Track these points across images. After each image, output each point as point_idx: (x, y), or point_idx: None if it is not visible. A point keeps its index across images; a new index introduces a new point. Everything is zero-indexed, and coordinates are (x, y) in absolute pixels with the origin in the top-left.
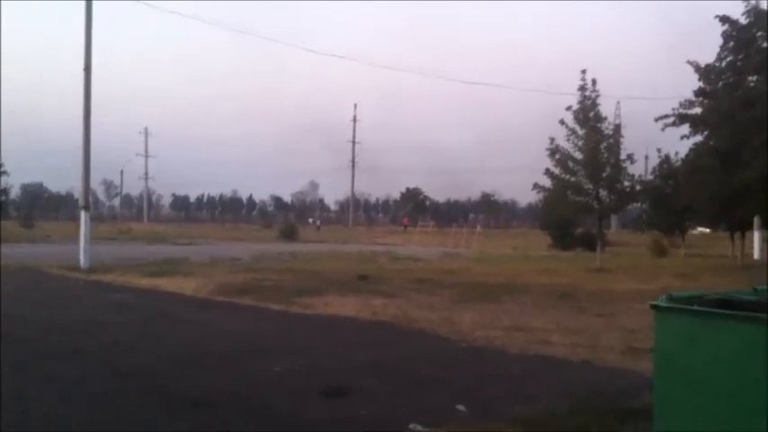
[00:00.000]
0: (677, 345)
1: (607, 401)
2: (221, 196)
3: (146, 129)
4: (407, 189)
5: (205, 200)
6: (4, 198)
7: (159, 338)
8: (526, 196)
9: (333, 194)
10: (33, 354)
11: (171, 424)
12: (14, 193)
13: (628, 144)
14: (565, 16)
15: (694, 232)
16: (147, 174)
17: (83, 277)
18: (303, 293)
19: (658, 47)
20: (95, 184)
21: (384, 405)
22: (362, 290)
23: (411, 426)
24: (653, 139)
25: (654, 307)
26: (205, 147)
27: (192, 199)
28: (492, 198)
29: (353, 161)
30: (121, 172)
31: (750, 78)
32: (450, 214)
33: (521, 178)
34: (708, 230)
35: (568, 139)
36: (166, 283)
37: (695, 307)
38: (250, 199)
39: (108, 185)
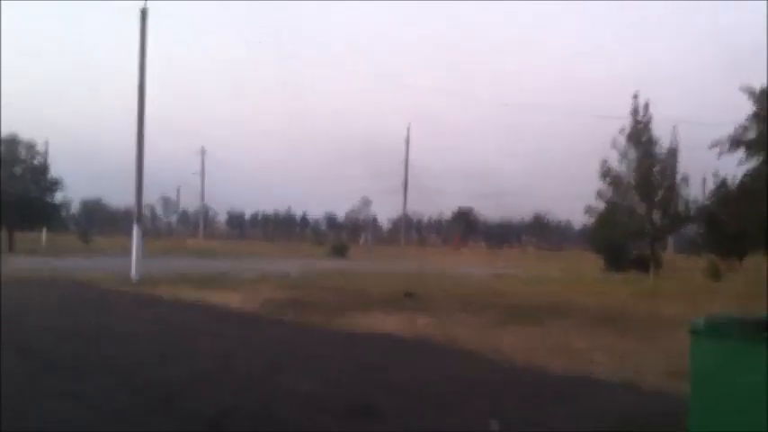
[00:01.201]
0: (713, 369)
1: (645, 424)
2: (275, 214)
3: (202, 148)
4: (459, 209)
5: (259, 217)
6: (64, 213)
7: (194, 352)
8: (580, 218)
9: (385, 214)
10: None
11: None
12: (74, 208)
13: (687, 168)
14: (620, 38)
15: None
16: (203, 191)
17: (130, 290)
18: (347, 310)
19: (717, 70)
20: (154, 200)
21: (414, 426)
22: (407, 308)
23: None
24: (712, 164)
25: (692, 331)
26: (261, 166)
27: (247, 216)
28: (544, 219)
29: (406, 181)
30: (178, 189)
31: None
32: (502, 235)
33: (576, 200)
34: None
35: (621, 162)
36: (213, 297)
37: (733, 330)
38: (303, 217)
39: (166, 202)
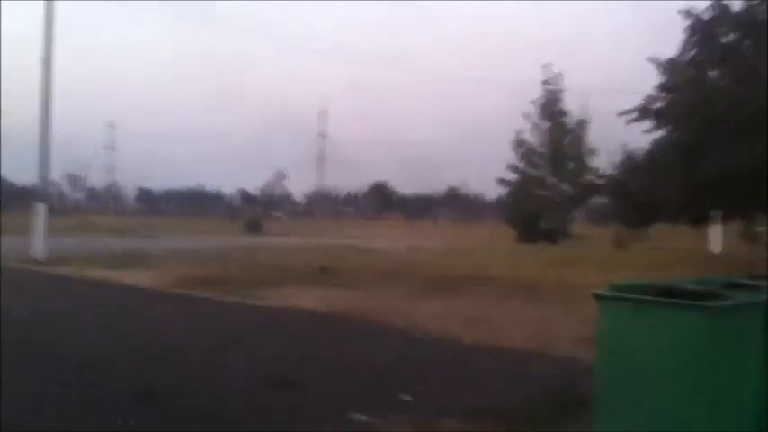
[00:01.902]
0: (618, 334)
1: (558, 391)
2: (188, 190)
3: (111, 121)
4: (375, 183)
5: (171, 193)
6: None
7: (107, 330)
8: (493, 189)
9: (301, 188)
10: None
11: (115, 415)
12: None
13: (595, 140)
14: (534, 9)
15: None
16: (111, 166)
17: (38, 269)
18: (262, 285)
19: (628, 41)
20: (60, 177)
21: (329, 396)
22: (323, 282)
23: (352, 414)
24: (621, 134)
25: (596, 296)
26: (171, 140)
27: (159, 193)
28: (459, 191)
29: (321, 154)
30: (86, 165)
31: (711, 73)
32: (418, 207)
33: (489, 171)
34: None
35: (533, 134)
36: (124, 276)
37: (638, 296)
38: (217, 193)
39: (73, 179)
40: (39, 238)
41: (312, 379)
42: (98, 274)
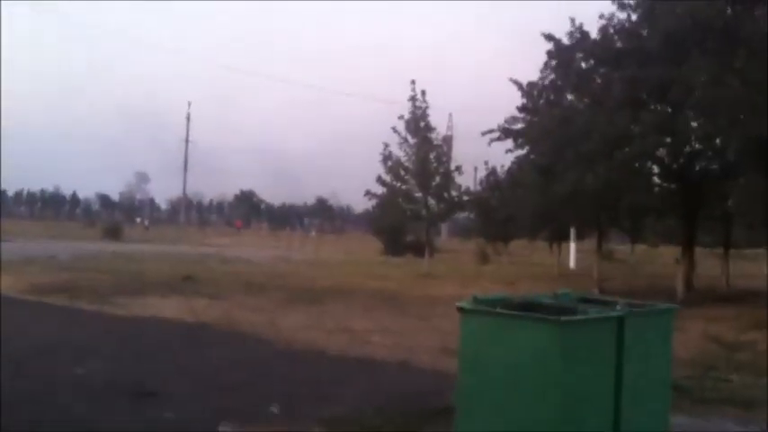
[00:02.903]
0: (480, 345)
1: (417, 401)
2: (42, 192)
3: None
4: (242, 191)
5: (24, 195)
6: None
7: None
8: (361, 202)
9: (164, 194)
10: None
11: None
12: None
13: (461, 157)
14: (404, 26)
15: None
16: None
17: None
18: (121, 294)
19: (494, 61)
20: None
21: (194, 407)
22: (186, 291)
23: (221, 427)
24: (486, 152)
25: (460, 309)
26: (24, 141)
27: (11, 194)
28: (327, 203)
29: (186, 160)
30: None
31: (569, 96)
32: (285, 218)
33: (356, 184)
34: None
35: (401, 148)
36: None
37: (497, 309)
38: (74, 196)
39: None
40: None
41: (177, 390)
42: None
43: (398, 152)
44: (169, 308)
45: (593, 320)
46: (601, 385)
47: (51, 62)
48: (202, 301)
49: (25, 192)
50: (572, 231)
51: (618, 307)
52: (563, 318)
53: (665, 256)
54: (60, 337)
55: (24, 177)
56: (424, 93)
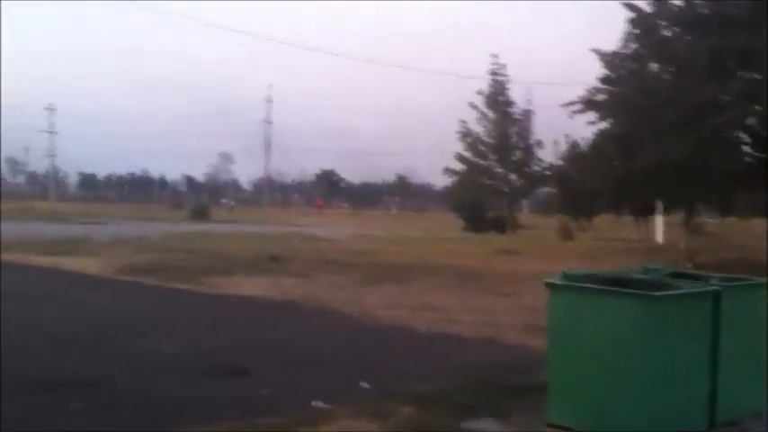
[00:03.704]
0: (569, 320)
1: (505, 378)
2: (131, 175)
3: (50, 105)
4: (322, 170)
5: (114, 179)
6: None
7: (54, 318)
8: (441, 179)
9: (247, 175)
10: None
11: (56, 404)
12: None
13: (541, 131)
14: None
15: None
16: (51, 151)
17: None
18: (210, 273)
19: (574, 33)
20: None
21: (287, 384)
22: (272, 270)
23: (313, 403)
24: (566, 125)
25: (548, 285)
26: (114, 124)
27: (101, 178)
28: (407, 180)
29: (268, 142)
30: (26, 149)
31: (651, 66)
32: (365, 196)
33: (436, 161)
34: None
35: (480, 123)
36: (69, 262)
37: (586, 284)
38: (161, 178)
39: (12, 163)
40: None
41: (269, 367)
42: (43, 260)
43: (477, 128)
44: (257, 286)
45: (689, 295)
46: (695, 360)
47: (138, 51)
48: (288, 280)
49: (114, 175)
50: (658, 205)
51: (712, 281)
52: (658, 293)
53: (757, 228)
54: (154, 316)
55: (114, 161)
56: (504, 67)
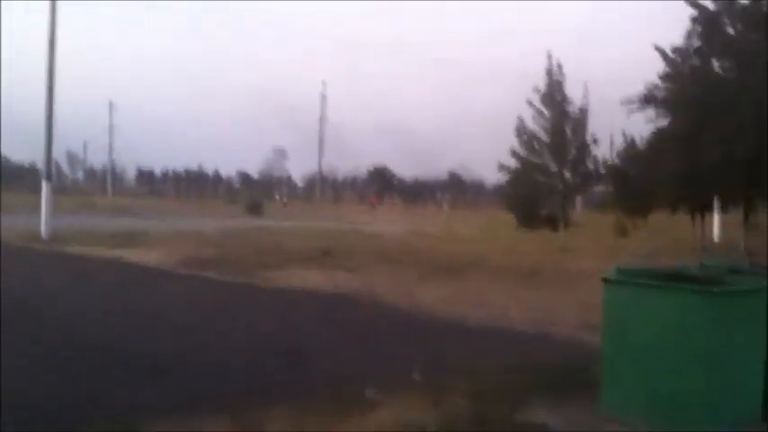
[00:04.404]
0: (625, 315)
1: (560, 374)
2: (187, 171)
3: (110, 102)
4: (375, 167)
5: (170, 174)
6: None
7: (122, 308)
8: (493, 176)
9: (300, 171)
10: None
11: (137, 389)
12: None
13: (598, 128)
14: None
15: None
16: (111, 146)
17: (44, 248)
18: (267, 267)
19: (630, 30)
20: (59, 155)
21: (340, 372)
22: (326, 265)
23: (367, 391)
24: (621, 123)
25: (604, 280)
26: (171, 121)
27: (157, 173)
28: (459, 177)
29: (321, 137)
30: (85, 144)
31: (715, 63)
32: (417, 192)
33: (489, 157)
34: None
35: (535, 121)
36: (130, 255)
37: (642, 279)
38: (216, 174)
39: (72, 158)
40: (45, 217)
41: (325, 356)
42: (105, 252)
43: (532, 125)
44: (314, 280)
45: (746, 291)
46: (751, 356)
47: (195, 49)
48: (342, 274)
49: (170, 171)
50: (716, 202)
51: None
52: (715, 288)
53: None
54: (215, 308)
55: (170, 157)
56: (560, 66)
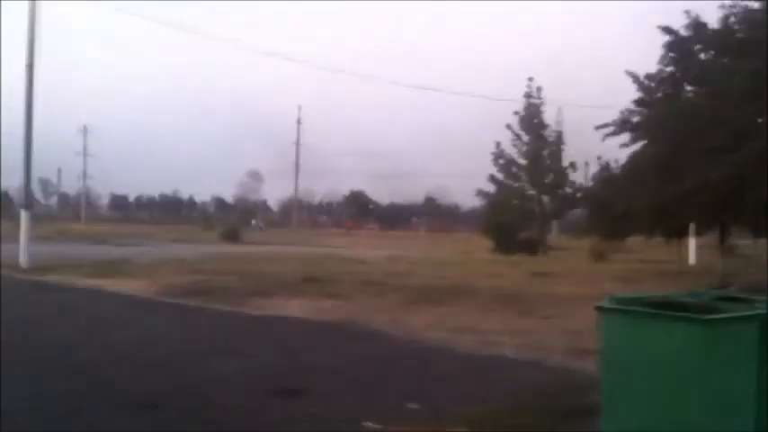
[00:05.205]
0: (621, 344)
1: (555, 400)
2: (161, 196)
3: (84, 126)
4: (351, 191)
5: (144, 200)
6: None
7: (104, 339)
8: (469, 200)
9: (275, 196)
10: None
11: (118, 424)
12: None
13: (572, 152)
14: (511, 22)
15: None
16: (85, 172)
17: (24, 277)
18: (251, 295)
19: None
20: (32, 182)
21: (336, 404)
22: (311, 292)
23: (364, 423)
24: (596, 147)
25: (598, 308)
26: (144, 146)
27: (131, 199)
28: (435, 201)
29: (297, 163)
30: (59, 170)
31: (688, 89)
32: (394, 216)
33: (465, 182)
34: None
35: (514, 145)
36: (111, 284)
37: (638, 308)
38: (191, 199)
39: (45, 184)
40: (23, 245)
41: (317, 387)
42: (86, 282)
43: (510, 150)
44: (298, 307)
45: (738, 319)
46: (745, 385)
47: (169, 69)
48: (328, 302)
49: (145, 196)
50: (691, 227)
51: (757, 305)
52: (706, 316)
53: None
54: (203, 337)
55: (144, 182)
56: (539, 89)
